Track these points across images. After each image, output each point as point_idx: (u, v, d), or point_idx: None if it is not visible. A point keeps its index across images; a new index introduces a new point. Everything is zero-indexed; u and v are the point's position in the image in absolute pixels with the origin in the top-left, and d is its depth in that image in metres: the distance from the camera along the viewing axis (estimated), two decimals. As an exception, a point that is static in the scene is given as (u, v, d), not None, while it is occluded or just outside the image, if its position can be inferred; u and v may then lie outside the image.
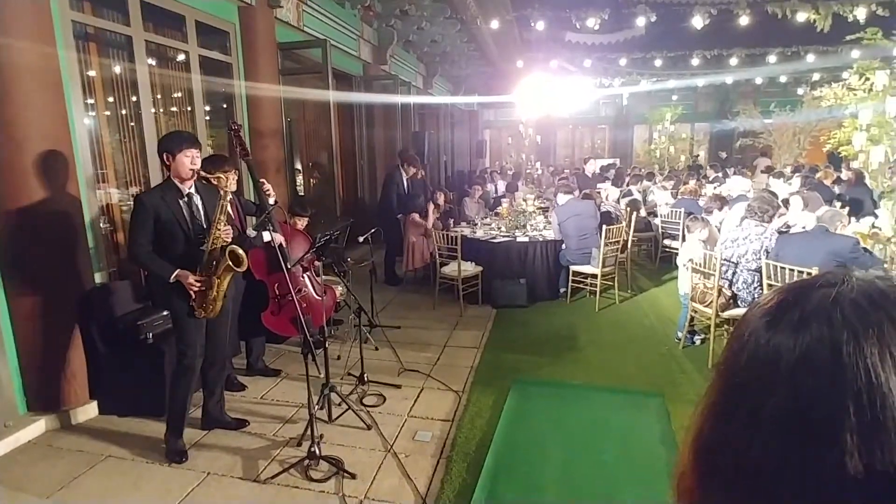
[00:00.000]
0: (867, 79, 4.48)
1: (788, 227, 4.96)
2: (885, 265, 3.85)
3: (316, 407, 3.23)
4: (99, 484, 2.87)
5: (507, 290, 5.67)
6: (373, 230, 4.96)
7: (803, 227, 4.72)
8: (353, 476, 2.87)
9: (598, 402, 3.66)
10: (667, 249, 7.13)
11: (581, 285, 5.79)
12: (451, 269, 5.71)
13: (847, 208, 6.20)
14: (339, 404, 3.51)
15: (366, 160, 9.05)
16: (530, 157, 10.81)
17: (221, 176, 2.99)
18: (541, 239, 5.93)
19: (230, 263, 2.92)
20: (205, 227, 3.04)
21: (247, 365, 4.18)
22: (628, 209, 6.74)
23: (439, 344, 4.76)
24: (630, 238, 6.39)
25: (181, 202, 2.99)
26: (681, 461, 0.82)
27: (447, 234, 5.77)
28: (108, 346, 3.52)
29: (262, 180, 3.48)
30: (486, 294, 5.77)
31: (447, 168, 13.36)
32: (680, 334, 4.60)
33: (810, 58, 11.76)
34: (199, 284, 2.95)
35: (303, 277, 3.86)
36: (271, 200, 3.57)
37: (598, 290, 5.52)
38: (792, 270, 3.56)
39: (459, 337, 4.94)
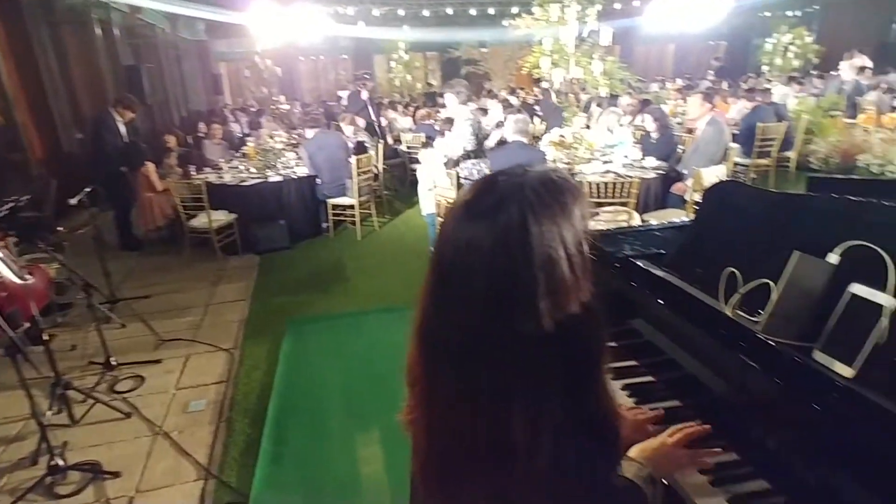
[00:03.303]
0: (546, 10, 5.14)
1: (505, 140, 5.64)
2: (569, 165, 4.71)
3: (49, 412, 2.61)
4: None
5: (267, 234, 5.29)
6: (88, 189, 3.98)
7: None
8: (115, 475, 2.45)
9: (369, 324, 3.78)
10: (415, 173, 7.49)
11: (342, 217, 5.74)
12: (200, 221, 5.04)
13: (544, 123, 7.37)
14: (84, 401, 2.90)
15: (65, 103, 7.10)
16: (273, 92, 9.90)
17: None
18: (294, 176, 5.61)
19: None
20: None
21: (-70, 388, 3.09)
22: (375, 138, 6.80)
23: (201, 304, 4.25)
24: (381, 166, 6.52)
25: None
26: (410, 352, 0.83)
27: (190, 183, 5.01)
28: None
29: None
30: (246, 241, 5.30)
31: (179, 108, 11.45)
32: (432, 248, 4.97)
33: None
34: None
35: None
36: None
37: (357, 219, 5.55)
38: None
39: (223, 292, 4.49)
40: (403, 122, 8.57)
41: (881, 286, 0.94)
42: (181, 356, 3.46)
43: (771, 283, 1.11)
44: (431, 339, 0.76)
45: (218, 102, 13.59)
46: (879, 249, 0.96)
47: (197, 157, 6.99)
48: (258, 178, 5.58)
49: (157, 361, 3.40)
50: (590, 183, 3.92)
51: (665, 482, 1.02)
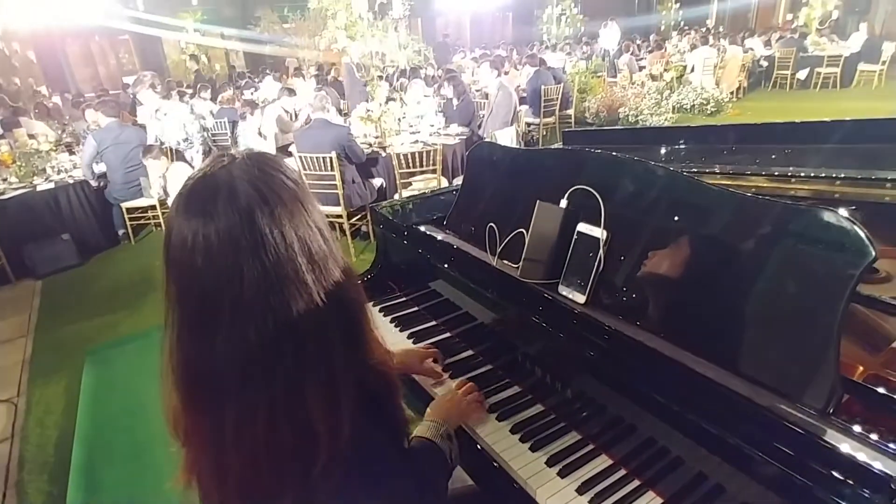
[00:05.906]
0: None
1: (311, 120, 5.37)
2: (379, 139, 4.66)
3: None
4: None
5: (47, 253, 4.35)
6: None
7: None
8: None
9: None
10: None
11: (143, 220, 4.96)
12: (-58, 252, 3.93)
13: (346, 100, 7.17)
14: None
15: None
16: (31, 83, 7.91)
17: None
18: (72, 181, 4.66)
19: None
20: None
21: None
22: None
23: (-40, 353, 3.36)
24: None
25: None
26: (170, 407, 0.73)
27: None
28: None
29: None
30: (19, 266, 4.31)
31: None
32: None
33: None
34: None
35: None
36: None
37: (161, 221, 4.83)
38: (315, 158, 3.78)
39: (-8, 332, 3.61)
40: (205, 106, 7.62)
41: (598, 222, 1.07)
42: (-62, 423, 2.71)
43: (524, 231, 1.20)
44: (204, 378, 0.67)
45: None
46: (593, 190, 1.08)
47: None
48: (22, 187, 4.53)
49: None
50: (398, 154, 3.93)
51: (464, 432, 1.07)
